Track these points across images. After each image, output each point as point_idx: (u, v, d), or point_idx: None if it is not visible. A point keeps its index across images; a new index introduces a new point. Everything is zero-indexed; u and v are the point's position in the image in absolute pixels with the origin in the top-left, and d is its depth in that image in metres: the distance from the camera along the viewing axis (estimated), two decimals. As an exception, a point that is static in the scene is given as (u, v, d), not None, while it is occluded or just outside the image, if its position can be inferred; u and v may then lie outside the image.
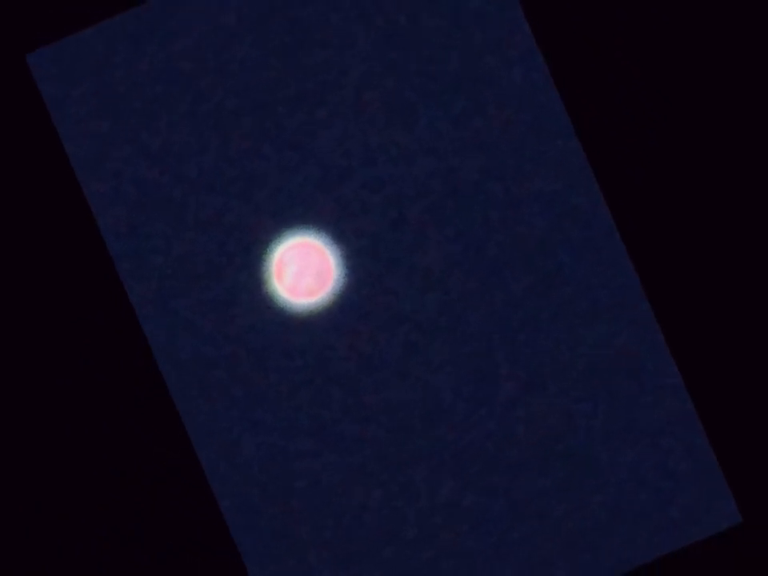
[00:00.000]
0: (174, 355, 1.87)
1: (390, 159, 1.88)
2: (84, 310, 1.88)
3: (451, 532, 1.87)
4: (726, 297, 1.89)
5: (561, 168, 1.89)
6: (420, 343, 1.87)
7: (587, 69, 1.89)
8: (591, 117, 1.89)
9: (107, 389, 1.88)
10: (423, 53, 1.88)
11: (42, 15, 1.88)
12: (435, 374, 1.87)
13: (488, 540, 1.86)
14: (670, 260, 1.89)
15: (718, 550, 1.87)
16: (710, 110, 1.89)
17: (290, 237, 1.89)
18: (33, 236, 1.88)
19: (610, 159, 1.89)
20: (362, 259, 1.88)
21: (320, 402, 1.87)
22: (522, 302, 1.88)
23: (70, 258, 1.89)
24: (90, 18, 1.89)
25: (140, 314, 1.87)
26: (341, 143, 1.88)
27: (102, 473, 1.87)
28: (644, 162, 1.89)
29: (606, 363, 1.87)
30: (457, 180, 1.88)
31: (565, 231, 1.88)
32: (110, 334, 1.88)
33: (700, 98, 1.89)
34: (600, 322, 1.87)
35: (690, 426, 1.87)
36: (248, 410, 1.86)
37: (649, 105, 1.88)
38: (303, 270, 1.88)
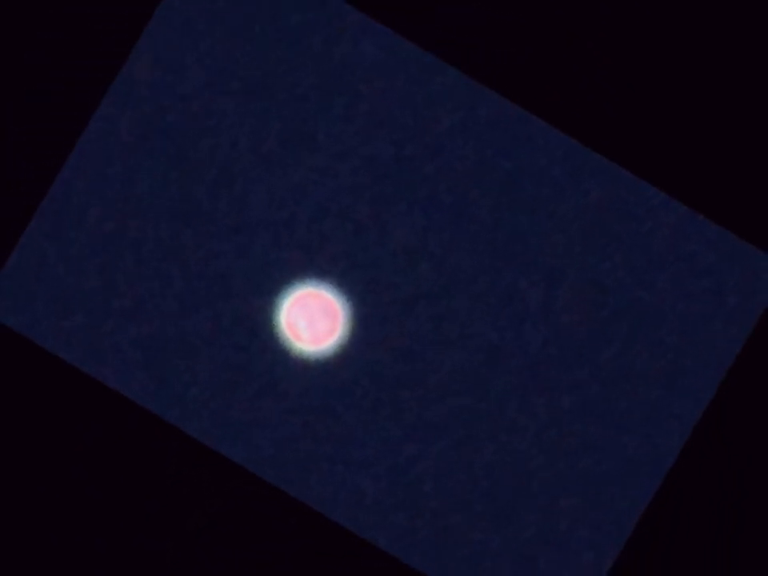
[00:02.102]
0: (262, 456, 1.94)
1: (316, 185, 1.94)
2: (163, 455, 1.93)
3: (569, 436, 1.93)
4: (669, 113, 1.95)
5: (454, 99, 1.95)
6: (441, 309, 1.93)
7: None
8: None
9: (219, 505, 1.94)
10: (283, 85, 1.94)
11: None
12: (471, 325, 1.93)
13: (602, 422, 1.93)
14: (591, 111, 1.95)
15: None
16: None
17: (283, 301, 1.96)
18: (62, 431, 1.94)
19: (495, 70, 1.94)
20: (351, 277, 1.94)
21: (398, 409, 1.93)
22: (499, 222, 1.93)
23: (116, 426, 1.94)
24: (8, 240, 1.94)
25: (212, 445, 1.93)
26: (271, 200, 1.94)
27: (250, 563, 1.94)
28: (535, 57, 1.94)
29: (597, 222, 1.92)
30: (378, 165, 1.94)
31: (493, 143, 1.94)
32: (196, 470, 1.94)
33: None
34: (570, 194, 1.93)
35: (691, 223, 1.93)
36: (348, 456, 1.92)
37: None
38: (312, 319, 1.93)
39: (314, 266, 1.94)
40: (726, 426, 1.93)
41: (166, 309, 1.92)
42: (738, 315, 1.93)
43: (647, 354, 1.93)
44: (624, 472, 1.93)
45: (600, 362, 1.93)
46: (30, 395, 1.94)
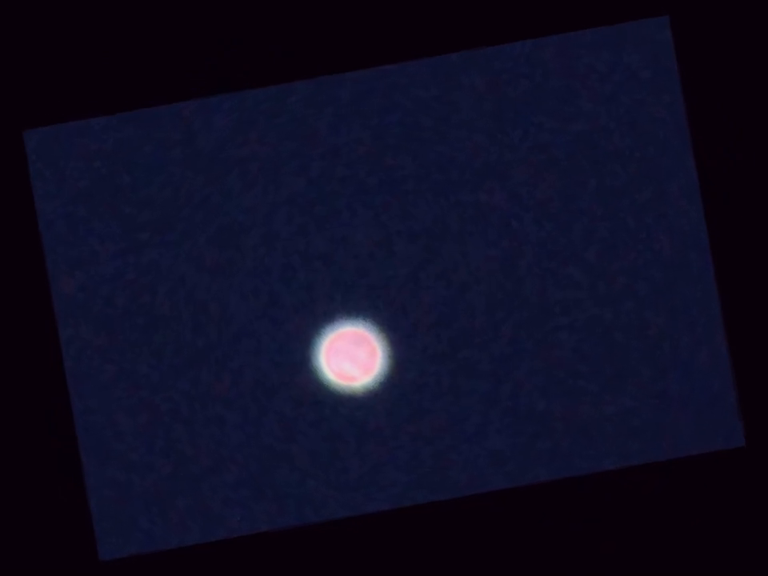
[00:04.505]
0: (407, 486, 1.95)
1: (266, 256, 1.94)
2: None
3: (615, 278, 1.95)
4: None
5: (315, 104, 1.94)
6: (441, 268, 1.94)
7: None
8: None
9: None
10: (176, 205, 1.94)
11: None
12: (471, 261, 1.93)
13: (629, 250, 1.94)
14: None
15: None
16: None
17: (318, 362, 1.95)
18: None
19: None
20: (353, 300, 1.94)
21: (473, 366, 1.94)
22: (427, 170, 1.93)
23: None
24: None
25: (362, 511, 1.95)
26: (244, 299, 1.94)
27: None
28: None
29: (499, 104, 1.92)
30: (300, 199, 1.94)
31: (369, 113, 1.94)
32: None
33: None
34: (459, 100, 1.92)
35: (566, 45, 1.94)
36: (467, 434, 1.94)
37: None
38: (351, 356, 1.94)
39: (316, 317, 1.95)
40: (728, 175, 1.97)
41: (237, 441, 1.94)
42: (661, 83, 1.96)
43: (620, 170, 1.94)
44: (676, 276, 1.95)
45: (590, 207, 1.94)
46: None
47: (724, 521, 1.93)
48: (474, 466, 1.95)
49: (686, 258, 1.96)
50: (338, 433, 1.95)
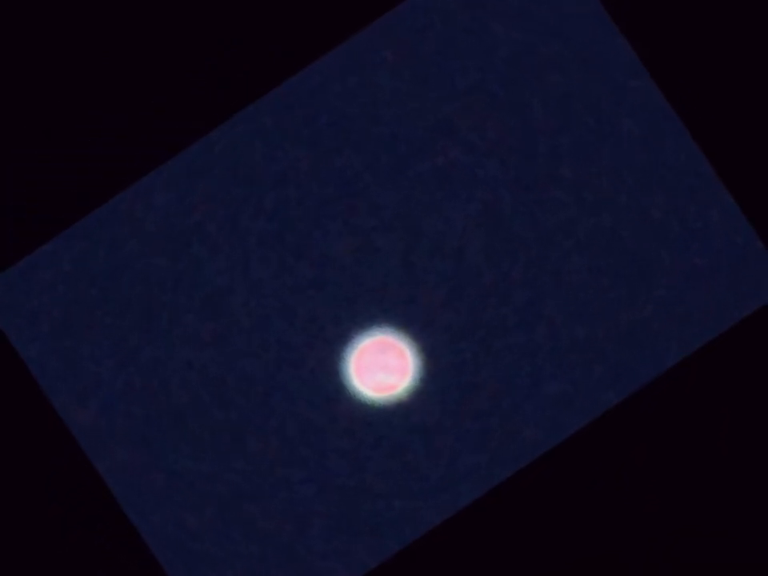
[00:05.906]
0: (490, 467, 1.95)
1: (262, 307, 1.94)
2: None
3: (602, 208, 1.95)
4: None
5: (251, 144, 1.97)
6: (445, 245, 1.94)
7: None
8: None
9: None
10: (157, 284, 1.95)
11: None
12: (452, 228, 1.94)
13: (606, 180, 1.95)
14: None
15: None
16: None
17: (353, 385, 1.96)
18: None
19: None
20: (359, 313, 1.95)
21: (504, 335, 1.94)
22: (378, 158, 1.96)
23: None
24: None
25: (447, 515, 1.94)
26: (252, 346, 1.95)
27: None
28: None
29: (424, 70, 1.95)
30: (269, 239, 1.95)
31: (304, 128, 1.96)
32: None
33: None
34: (390, 91, 1.95)
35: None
36: (517, 403, 1.94)
37: None
38: (383, 366, 1.94)
39: (332, 343, 1.95)
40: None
41: (310, 493, 1.94)
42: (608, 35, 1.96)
43: (560, 78, 1.94)
44: (655, 151, 1.95)
45: (545, 125, 1.95)
46: None
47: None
48: (544, 418, 1.93)
49: (657, 131, 1.95)
50: (402, 444, 1.94)
